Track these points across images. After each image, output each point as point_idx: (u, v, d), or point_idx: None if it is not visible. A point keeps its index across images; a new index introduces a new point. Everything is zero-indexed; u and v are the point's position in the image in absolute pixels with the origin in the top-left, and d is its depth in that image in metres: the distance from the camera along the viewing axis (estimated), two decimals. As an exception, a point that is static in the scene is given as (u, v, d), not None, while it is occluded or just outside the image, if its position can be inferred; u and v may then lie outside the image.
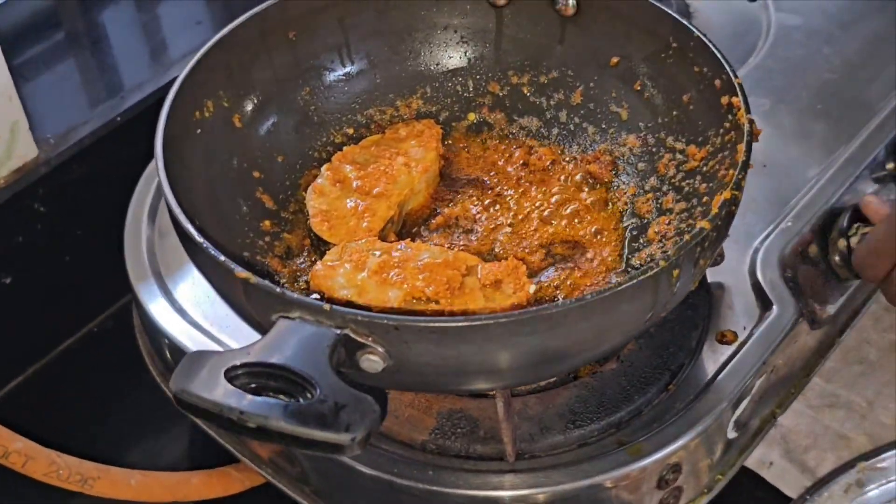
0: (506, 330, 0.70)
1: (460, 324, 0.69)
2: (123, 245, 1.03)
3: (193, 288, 1.00)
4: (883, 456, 1.00)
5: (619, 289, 0.71)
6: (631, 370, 0.92)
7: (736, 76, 0.85)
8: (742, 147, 0.81)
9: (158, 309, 0.99)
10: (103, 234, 1.07)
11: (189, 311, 0.99)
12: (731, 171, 0.83)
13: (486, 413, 0.88)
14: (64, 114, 1.16)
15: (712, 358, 0.93)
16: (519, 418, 0.88)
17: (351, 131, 1.00)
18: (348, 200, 0.92)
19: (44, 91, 1.20)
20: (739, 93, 0.84)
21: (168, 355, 1.00)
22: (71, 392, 1.13)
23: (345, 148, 0.96)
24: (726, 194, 0.77)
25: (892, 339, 1.12)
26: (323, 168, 0.94)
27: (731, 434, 0.93)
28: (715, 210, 0.76)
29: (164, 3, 1.33)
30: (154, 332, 1.00)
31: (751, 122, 0.82)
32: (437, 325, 0.69)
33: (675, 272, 0.74)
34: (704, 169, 0.89)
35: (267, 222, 0.92)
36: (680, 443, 0.87)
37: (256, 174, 0.93)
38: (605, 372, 0.91)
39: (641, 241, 0.91)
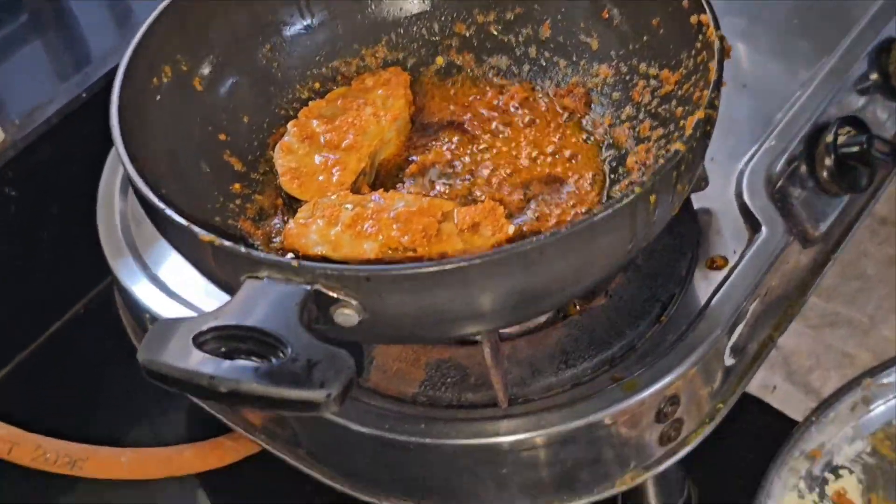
0: (481, 271, 0.68)
1: (434, 269, 0.67)
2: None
3: (171, 259, 0.97)
4: (888, 371, 0.99)
5: (595, 220, 0.69)
6: (621, 304, 0.89)
7: (703, -8, 0.83)
8: (713, 66, 0.78)
9: (137, 284, 0.97)
10: (80, 212, 1.05)
11: (168, 283, 0.97)
12: (705, 93, 0.81)
13: (475, 360, 0.87)
14: (29, 94, 1.14)
15: (703, 285, 0.91)
16: (509, 362, 0.86)
17: (317, 85, 0.97)
18: (317, 156, 0.89)
19: (8, 74, 1.18)
20: (707, 9, 0.82)
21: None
22: (61, 378, 1.11)
23: (311, 103, 0.94)
24: (700, 114, 0.75)
25: (890, 253, 1.11)
26: (289, 125, 0.92)
27: (729, 361, 0.90)
28: (689, 131, 0.74)
29: (127, -27, 1.30)
30: (135, 308, 0.98)
31: (721, 38, 0.80)
32: (409, 271, 0.67)
33: (653, 198, 0.71)
34: (679, 92, 0.86)
35: (237, 185, 0.90)
36: (676, 374, 0.85)
37: (222, 137, 0.91)
38: (594, 308, 0.89)
39: (621, 171, 0.89)
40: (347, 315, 0.68)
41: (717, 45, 0.79)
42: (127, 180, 1.02)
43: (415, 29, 1.00)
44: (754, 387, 0.98)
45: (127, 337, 1.03)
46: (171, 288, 0.96)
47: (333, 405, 0.62)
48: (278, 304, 0.66)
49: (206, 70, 0.92)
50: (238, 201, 0.89)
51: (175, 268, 0.97)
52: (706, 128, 0.75)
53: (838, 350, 1.04)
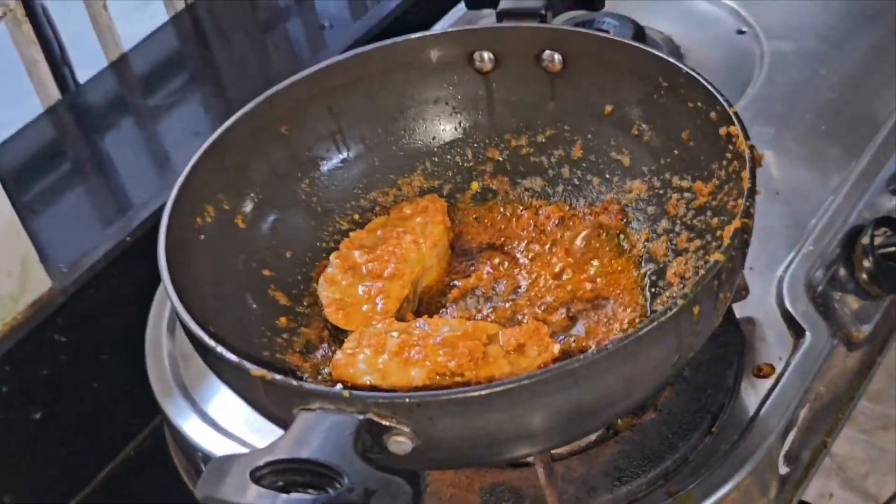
0: (530, 392, 0.68)
1: (483, 392, 0.68)
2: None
3: (221, 396, 0.98)
4: (944, 471, 0.97)
5: (640, 334, 0.69)
6: (671, 418, 0.89)
7: (730, 105, 0.84)
8: (746, 174, 0.80)
9: (188, 423, 0.98)
10: (128, 355, 1.07)
11: (219, 421, 0.97)
12: (739, 201, 0.82)
13: (529, 482, 0.86)
14: (75, 241, 1.15)
15: (752, 394, 0.91)
16: (563, 482, 0.86)
17: (357, 217, 0.99)
18: (360, 286, 0.91)
19: (53, 221, 1.20)
20: (736, 121, 0.83)
21: (203, 467, 0.98)
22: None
23: (351, 234, 0.96)
24: (736, 223, 0.76)
25: (937, 352, 1.10)
26: (331, 257, 0.93)
27: (783, 469, 0.90)
28: (727, 241, 0.75)
29: (163, 120, 1.33)
30: (187, 447, 0.99)
31: (751, 148, 0.81)
32: (459, 396, 0.68)
33: (696, 309, 0.72)
34: (714, 203, 0.87)
35: (283, 319, 0.91)
36: (731, 485, 0.85)
37: (266, 272, 0.92)
38: (644, 423, 0.89)
39: (661, 285, 0.89)
40: (401, 443, 0.69)
41: (747, 154, 0.81)
42: (174, 320, 1.04)
43: (449, 157, 1.01)
44: (811, 496, 0.97)
45: (180, 477, 1.04)
46: (222, 425, 0.97)
47: (392, 534, 0.62)
48: (332, 435, 0.66)
49: (247, 208, 0.94)
50: (285, 335, 0.90)
51: (224, 405, 0.98)
52: (743, 236, 0.76)
53: (893, 453, 1.03)
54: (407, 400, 0.67)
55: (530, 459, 0.86)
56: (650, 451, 0.87)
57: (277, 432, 0.76)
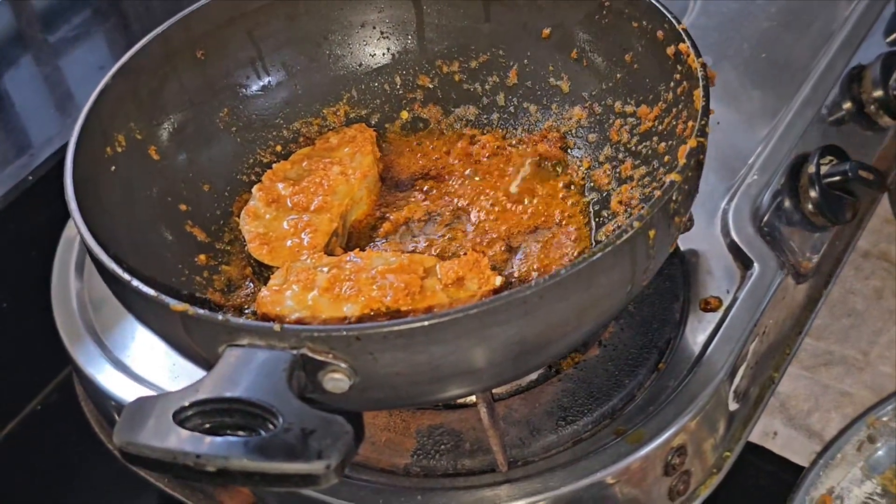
0: (478, 322, 0.63)
1: (428, 322, 0.62)
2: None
3: (135, 342, 0.92)
4: (891, 407, 0.94)
5: (595, 258, 0.64)
6: (616, 354, 0.85)
7: (679, 22, 0.79)
8: (699, 93, 0.75)
9: (99, 370, 0.91)
10: (32, 302, 1.00)
11: (133, 368, 0.91)
12: (690, 124, 0.78)
13: (468, 424, 0.82)
14: (-29, 182, 1.08)
15: (699, 328, 0.87)
16: (505, 423, 0.81)
17: (279, 148, 0.93)
18: (285, 220, 0.85)
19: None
20: (686, 38, 0.78)
21: (117, 418, 0.91)
22: (21, 479, 1.04)
23: (275, 165, 0.90)
24: (692, 143, 0.71)
25: (877, 286, 1.07)
26: (254, 189, 0.87)
27: (733, 406, 0.86)
28: (683, 161, 0.70)
29: (65, 56, 1.26)
30: (98, 397, 0.92)
31: (703, 65, 0.77)
32: (402, 327, 0.62)
33: (652, 233, 0.67)
34: (660, 127, 0.83)
35: (202, 256, 0.85)
36: (681, 422, 0.81)
37: (183, 207, 0.86)
38: (588, 360, 0.85)
39: (605, 214, 0.85)
40: (338, 380, 0.63)
41: (700, 72, 0.76)
42: (82, 262, 0.97)
43: (376, 84, 0.96)
44: (754, 434, 0.93)
45: (90, 429, 0.97)
46: (137, 372, 0.90)
47: (334, 477, 0.57)
48: (264, 372, 0.61)
49: (161, 138, 0.87)
50: (205, 273, 0.84)
51: (139, 351, 0.92)
52: (699, 156, 0.72)
53: (836, 390, 1.00)
54: (345, 333, 0.62)
55: (471, 400, 0.81)
56: (595, 389, 0.83)
57: (199, 371, 0.71)
